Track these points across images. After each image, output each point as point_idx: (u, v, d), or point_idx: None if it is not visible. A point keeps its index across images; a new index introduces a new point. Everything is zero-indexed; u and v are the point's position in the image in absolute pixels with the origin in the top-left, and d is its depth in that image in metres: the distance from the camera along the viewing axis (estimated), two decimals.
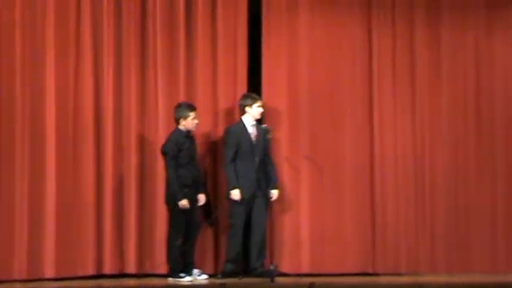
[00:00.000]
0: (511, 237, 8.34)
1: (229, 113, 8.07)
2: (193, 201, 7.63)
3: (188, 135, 7.65)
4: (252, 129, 7.79)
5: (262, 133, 7.77)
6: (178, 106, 7.71)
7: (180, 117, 7.64)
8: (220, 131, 8.04)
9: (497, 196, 8.40)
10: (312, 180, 8.16)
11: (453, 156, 8.38)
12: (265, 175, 7.79)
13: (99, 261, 7.74)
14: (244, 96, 7.87)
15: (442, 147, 8.37)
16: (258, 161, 7.72)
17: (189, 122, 7.64)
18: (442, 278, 8.01)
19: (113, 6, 7.94)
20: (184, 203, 7.48)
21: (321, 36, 8.28)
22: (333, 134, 8.21)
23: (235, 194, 7.65)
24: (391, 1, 8.40)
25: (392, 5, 8.41)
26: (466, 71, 8.46)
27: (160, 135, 7.88)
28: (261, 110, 7.81)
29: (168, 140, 7.62)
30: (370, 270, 8.16)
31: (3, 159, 7.56)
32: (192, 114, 7.64)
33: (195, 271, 7.66)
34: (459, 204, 8.35)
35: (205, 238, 7.94)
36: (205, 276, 7.69)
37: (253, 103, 7.78)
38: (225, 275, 7.68)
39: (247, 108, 7.78)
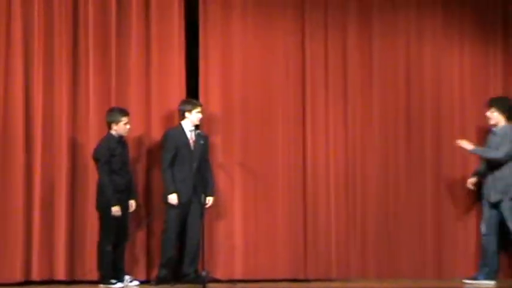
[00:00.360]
0: (438, 244, 8.46)
1: (163, 117, 8.02)
2: (125, 207, 7.57)
3: (120, 140, 7.58)
4: (190, 135, 7.78)
5: (201, 139, 7.76)
6: (111, 111, 7.64)
7: (112, 122, 7.55)
8: (153, 136, 7.99)
9: (426, 204, 8.50)
10: (245, 186, 8.17)
11: (384, 163, 8.47)
12: (202, 181, 7.75)
13: (27, 268, 7.63)
14: (184, 102, 7.86)
15: (373, 154, 8.44)
16: (196, 167, 7.70)
17: (120, 127, 7.56)
18: (372, 284, 8.11)
19: (43, 8, 7.84)
20: (117, 209, 7.41)
21: (255, 42, 8.31)
22: (266, 141, 8.22)
23: (173, 198, 7.62)
24: (324, 8, 8.46)
25: (325, 11, 8.46)
26: (397, 77, 8.57)
27: (91, 139, 7.79)
28: (200, 116, 7.80)
29: (99, 146, 7.54)
30: (301, 277, 8.19)
31: None
32: (124, 119, 7.57)
33: (126, 277, 7.61)
34: (389, 211, 8.43)
35: (137, 244, 7.89)
36: (136, 283, 7.64)
37: (193, 109, 7.77)
38: (159, 280, 7.64)
39: (186, 114, 7.76)
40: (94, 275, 7.59)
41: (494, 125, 8.07)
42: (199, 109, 7.79)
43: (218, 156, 8.16)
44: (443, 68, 8.64)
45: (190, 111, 7.78)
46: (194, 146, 7.75)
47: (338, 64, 8.47)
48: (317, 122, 8.37)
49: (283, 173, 8.26)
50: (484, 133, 8.48)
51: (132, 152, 7.81)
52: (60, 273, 7.68)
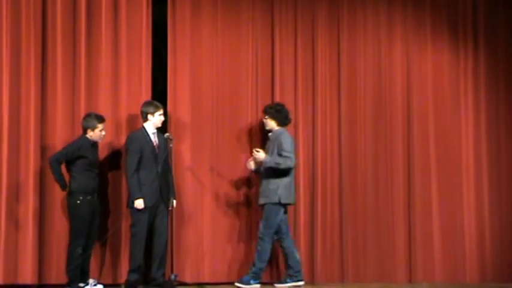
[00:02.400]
0: (408, 246, 8.68)
1: (132, 121, 8.01)
2: (94, 210, 7.58)
3: (93, 144, 7.62)
4: (153, 137, 7.76)
5: (164, 142, 7.76)
6: (87, 116, 7.64)
7: (88, 128, 7.56)
8: (121, 139, 7.98)
9: (399, 204, 8.72)
10: (213, 190, 8.23)
11: (352, 165, 8.65)
12: (166, 184, 7.76)
13: None
14: (147, 104, 7.82)
15: (340, 158, 8.62)
16: (161, 170, 7.69)
17: (96, 134, 7.59)
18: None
19: (10, 9, 7.78)
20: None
21: (224, 47, 8.44)
22: (235, 144, 8.31)
23: (139, 203, 7.59)
24: (293, 14, 8.63)
25: (294, 10, 8.63)
26: (366, 83, 8.77)
27: (58, 141, 7.78)
28: (162, 118, 7.79)
29: (69, 144, 7.55)
30: (267, 280, 8.23)
31: None
32: (100, 126, 7.58)
33: (91, 280, 7.61)
34: (357, 214, 8.61)
35: (104, 247, 7.88)
36: (101, 286, 7.64)
37: (156, 111, 7.74)
38: (129, 284, 7.63)
39: (149, 116, 7.73)
40: (63, 279, 7.58)
41: (270, 131, 8.10)
42: (161, 111, 7.78)
43: (187, 160, 8.21)
44: (413, 69, 8.94)
45: (152, 113, 7.74)
46: (158, 148, 7.74)
47: (307, 65, 8.64)
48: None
49: (254, 175, 8.26)
50: (455, 133, 8.84)
51: (100, 155, 7.78)
52: (28, 277, 7.61)
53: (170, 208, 7.76)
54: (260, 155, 7.86)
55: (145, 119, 7.75)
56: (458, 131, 8.98)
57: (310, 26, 8.67)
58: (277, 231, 7.95)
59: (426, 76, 8.93)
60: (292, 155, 7.85)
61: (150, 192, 7.63)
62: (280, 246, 8.03)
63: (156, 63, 8.23)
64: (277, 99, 8.46)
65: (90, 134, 7.56)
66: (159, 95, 8.16)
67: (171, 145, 7.74)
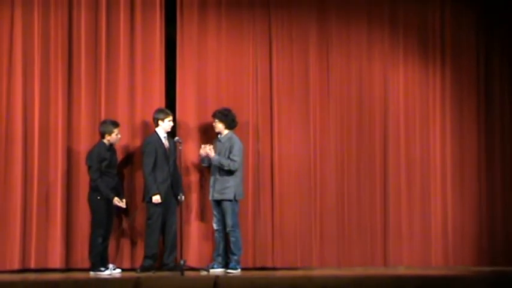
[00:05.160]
0: (383, 235, 9.11)
1: (146, 127, 8.61)
2: (112, 205, 8.18)
3: (110, 148, 8.22)
4: (164, 141, 8.36)
5: (174, 144, 8.33)
6: (104, 122, 8.23)
7: (105, 133, 8.16)
8: (137, 143, 8.59)
9: (375, 200, 9.16)
10: None
11: (339, 162, 9.08)
12: (176, 181, 8.36)
13: (24, 257, 8.29)
14: (158, 111, 8.41)
15: (329, 155, 9.07)
16: (172, 169, 8.31)
17: (113, 137, 8.18)
18: (331, 271, 8.72)
19: (41, 29, 8.51)
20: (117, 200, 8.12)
21: (227, 60, 8.92)
22: None
23: (157, 199, 8.20)
24: (289, 32, 9.11)
25: (290, 34, 9.12)
26: (350, 93, 9.21)
27: (83, 145, 8.46)
28: (171, 124, 8.35)
29: (91, 152, 8.16)
30: (269, 265, 8.80)
31: None
32: (116, 130, 8.18)
33: (110, 265, 8.24)
34: (344, 207, 9.07)
35: (123, 236, 8.50)
36: (119, 270, 8.26)
37: (165, 117, 8.34)
38: (144, 268, 8.23)
39: (159, 122, 8.33)
40: (86, 264, 8.24)
41: (219, 133, 8.50)
42: (170, 118, 8.33)
43: (194, 161, 8.73)
44: (389, 81, 9.30)
45: (162, 119, 8.32)
46: (169, 150, 8.32)
47: (301, 77, 9.08)
48: (282, 128, 9.01)
49: (253, 174, 8.85)
50: (424, 137, 9.27)
51: (118, 157, 8.42)
52: (56, 262, 8.32)
53: (179, 202, 8.29)
54: (211, 153, 8.33)
55: (157, 125, 8.35)
56: (427, 134, 9.35)
57: (304, 43, 9.12)
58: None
59: (399, 88, 9.32)
60: (238, 159, 8.35)
61: (163, 189, 8.25)
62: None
63: (167, 75, 8.77)
64: (275, 106, 8.95)
65: (108, 138, 8.15)
66: (170, 103, 8.73)
67: (180, 148, 8.26)
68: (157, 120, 8.40)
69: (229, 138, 8.44)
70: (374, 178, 9.24)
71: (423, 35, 9.47)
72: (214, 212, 8.53)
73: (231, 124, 8.49)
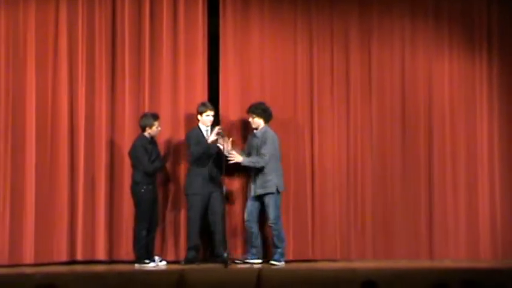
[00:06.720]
0: (430, 229, 9.12)
1: (189, 119, 8.70)
2: (155, 197, 8.33)
3: (152, 140, 8.32)
4: (206, 134, 8.45)
5: (220, 138, 8.39)
6: (144, 116, 8.33)
7: (146, 125, 8.26)
8: (179, 136, 8.68)
9: (420, 192, 9.13)
10: None
11: (381, 155, 9.09)
12: (219, 173, 8.42)
13: (72, 249, 8.41)
14: (200, 104, 8.50)
15: (372, 151, 9.07)
16: (213, 162, 8.39)
17: (153, 130, 8.28)
18: (370, 264, 8.72)
19: (86, 22, 8.60)
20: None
21: (270, 55, 8.95)
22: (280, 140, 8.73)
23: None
24: (329, 26, 9.13)
25: (330, 29, 9.14)
26: (393, 83, 9.20)
27: (127, 138, 8.55)
28: (210, 118, 8.41)
29: (135, 146, 8.25)
30: (309, 257, 8.82)
31: None
32: (156, 123, 8.28)
33: (156, 258, 8.33)
34: (386, 200, 9.07)
35: (167, 228, 8.60)
36: (164, 262, 8.34)
37: (204, 111, 8.41)
38: (188, 260, 8.34)
39: (199, 116, 8.44)
40: (130, 256, 8.35)
41: (256, 128, 8.52)
42: (208, 112, 8.38)
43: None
44: (434, 74, 9.26)
45: (201, 113, 8.42)
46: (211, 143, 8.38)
47: (341, 71, 9.09)
48: (323, 121, 9.02)
49: (295, 168, 8.88)
50: (470, 130, 9.24)
51: (161, 150, 8.48)
52: (101, 254, 8.44)
53: (223, 194, 8.36)
54: (237, 158, 8.34)
55: (198, 119, 8.50)
56: (473, 127, 9.27)
57: (344, 36, 9.12)
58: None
59: (444, 82, 9.26)
60: (269, 154, 8.33)
61: (204, 181, 8.37)
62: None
63: (209, 68, 8.83)
64: (316, 100, 8.99)
65: (149, 131, 8.25)
66: (213, 96, 8.80)
67: (221, 139, 8.33)
68: (198, 113, 8.50)
69: (264, 133, 8.48)
70: (418, 171, 9.21)
71: (469, 26, 9.41)
72: (249, 204, 8.56)
73: (268, 118, 8.54)
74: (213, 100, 8.78)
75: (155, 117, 8.35)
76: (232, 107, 8.84)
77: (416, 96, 9.28)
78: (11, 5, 8.47)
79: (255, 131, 8.55)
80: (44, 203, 8.40)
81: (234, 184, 8.80)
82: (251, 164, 8.42)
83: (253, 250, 8.53)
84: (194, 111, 8.62)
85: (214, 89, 8.90)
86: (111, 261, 8.50)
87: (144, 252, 8.26)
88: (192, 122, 8.71)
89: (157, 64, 8.75)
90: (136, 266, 8.22)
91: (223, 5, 8.95)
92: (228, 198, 8.58)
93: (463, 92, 9.38)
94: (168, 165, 8.68)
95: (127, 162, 8.49)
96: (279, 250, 8.47)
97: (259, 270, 7.56)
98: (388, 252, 9.07)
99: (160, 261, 8.36)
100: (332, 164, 9.06)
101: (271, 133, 8.49)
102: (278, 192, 8.48)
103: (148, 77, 8.72)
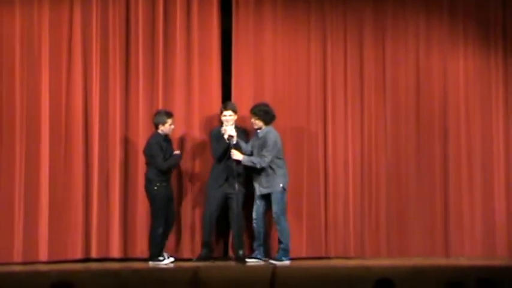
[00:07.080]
0: (446, 226, 9.15)
1: (203, 118, 8.75)
2: (171, 193, 8.35)
3: (166, 138, 8.35)
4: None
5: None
6: (157, 113, 8.35)
7: (159, 123, 8.29)
8: (193, 134, 8.73)
9: (435, 189, 9.14)
10: None
11: (396, 157, 9.12)
12: (232, 172, 8.35)
13: (86, 247, 8.43)
14: (221, 105, 8.54)
15: (386, 147, 9.10)
16: (229, 161, 8.36)
17: (166, 127, 8.30)
18: (384, 261, 8.73)
19: (100, 21, 8.62)
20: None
21: (283, 54, 8.96)
22: (292, 137, 8.87)
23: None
24: (343, 23, 9.15)
25: (344, 26, 9.16)
26: (407, 83, 9.23)
27: (141, 136, 8.57)
28: (227, 118, 8.35)
29: (150, 143, 8.28)
30: (323, 254, 8.85)
31: (4, 155, 8.32)
32: (169, 121, 8.30)
33: (165, 254, 8.30)
34: (401, 198, 9.10)
35: (182, 226, 8.63)
36: (172, 259, 8.28)
37: (222, 111, 8.43)
38: (201, 257, 8.39)
39: (221, 116, 8.46)
40: (145, 254, 8.38)
41: (259, 129, 8.47)
42: (224, 112, 8.36)
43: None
44: (449, 72, 9.27)
45: (220, 113, 8.45)
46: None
47: (355, 68, 9.11)
48: (337, 119, 9.04)
49: (308, 165, 8.91)
50: (486, 128, 9.22)
51: (175, 148, 8.49)
52: (115, 252, 8.47)
53: (238, 192, 8.31)
54: (238, 156, 8.35)
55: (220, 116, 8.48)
56: (489, 124, 9.29)
57: (358, 33, 9.14)
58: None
59: (459, 79, 9.28)
60: (269, 155, 8.31)
61: (221, 179, 8.40)
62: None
63: (223, 66, 8.86)
64: (329, 98, 9.01)
65: (162, 129, 8.27)
66: (226, 95, 8.83)
67: (232, 142, 8.32)
68: (220, 112, 8.54)
69: (266, 133, 8.47)
70: (433, 169, 9.22)
71: (484, 23, 9.40)
72: (257, 201, 8.56)
73: (270, 120, 8.52)
74: (226, 99, 8.82)
75: (168, 114, 8.38)
76: (245, 106, 8.79)
77: (431, 94, 9.28)
78: (25, 5, 8.52)
79: (257, 131, 8.56)
80: (58, 201, 8.43)
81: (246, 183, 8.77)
82: (251, 164, 8.42)
83: (260, 249, 8.55)
84: (208, 110, 8.74)
85: (227, 88, 8.94)
86: (125, 259, 8.53)
87: (159, 250, 8.28)
88: (205, 120, 8.78)
89: (171, 63, 8.79)
90: (151, 263, 8.24)
91: (236, 3, 8.98)
92: (245, 197, 8.57)
93: (479, 89, 9.39)
94: (182, 163, 8.69)
95: (141, 160, 8.51)
96: (282, 246, 8.43)
97: (274, 267, 7.57)
98: (402, 249, 9.09)
99: (168, 257, 8.35)
100: (346, 161, 9.08)
101: (273, 134, 8.47)
102: (284, 189, 8.46)
103: (162, 76, 8.75)
